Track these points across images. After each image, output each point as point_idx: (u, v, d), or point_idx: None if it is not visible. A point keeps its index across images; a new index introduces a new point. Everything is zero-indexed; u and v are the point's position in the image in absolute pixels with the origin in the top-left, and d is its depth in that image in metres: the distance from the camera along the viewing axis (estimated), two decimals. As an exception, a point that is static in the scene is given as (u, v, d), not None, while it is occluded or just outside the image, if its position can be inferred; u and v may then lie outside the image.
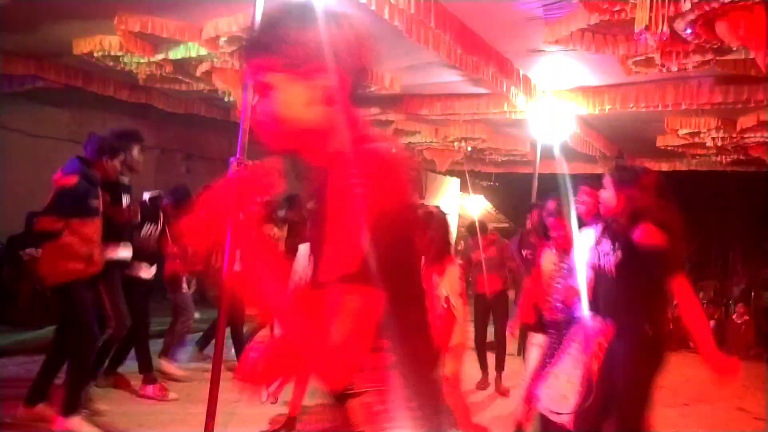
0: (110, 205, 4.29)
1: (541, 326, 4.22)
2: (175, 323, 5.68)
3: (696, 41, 4.40)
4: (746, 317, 9.15)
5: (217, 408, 3.30)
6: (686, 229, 2.96)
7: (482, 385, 5.83)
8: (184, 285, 5.68)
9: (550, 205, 3.96)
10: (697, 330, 2.92)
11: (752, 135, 7.26)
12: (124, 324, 4.61)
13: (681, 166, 10.11)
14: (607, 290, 3.02)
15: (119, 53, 5.48)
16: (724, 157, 8.72)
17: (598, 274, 3.08)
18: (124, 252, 4.58)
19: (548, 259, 4.00)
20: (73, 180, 4.01)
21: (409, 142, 9.40)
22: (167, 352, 5.60)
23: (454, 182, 15.35)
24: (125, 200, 4.51)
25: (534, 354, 4.38)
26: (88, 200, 4.07)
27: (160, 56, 5.54)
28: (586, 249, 3.27)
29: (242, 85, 5.80)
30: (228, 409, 4.28)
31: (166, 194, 5.39)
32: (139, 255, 4.89)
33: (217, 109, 8.22)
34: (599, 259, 3.07)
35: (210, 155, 9.55)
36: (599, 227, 3.23)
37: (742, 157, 8.53)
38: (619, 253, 2.94)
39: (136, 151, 4.58)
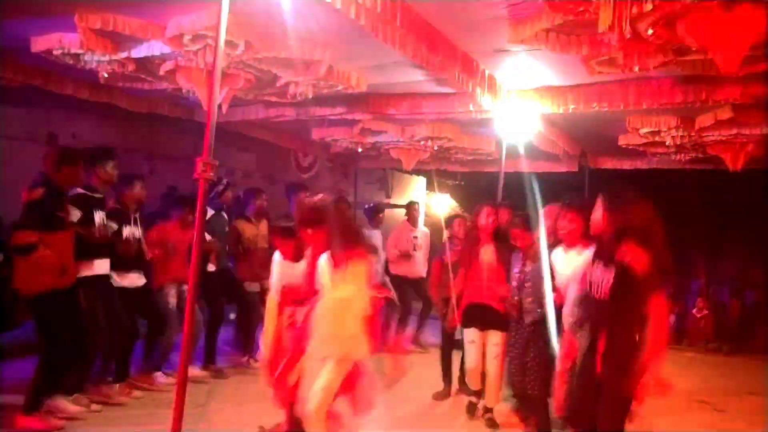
0: (82, 222, 4.45)
1: (474, 322, 4.45)
2: (161, 337, 5.58)
3: (657, 42, 4.49)
4: (705, 311, 9.40)
5: (185, 411, 3.26)
6: (667, 247, 3.29)
7: (442, 395, 5.65)
8: (170, 298, 5.54)
9: (517, 218, 4.50)
10: (653, 348, 3.21)
11: (710, 134, 7.45)
12: (103, 336, 4.65)
13: (642, 164, 10.31)
14: (601, 306, 3.26)
15: (79, 51, 5.34)
16: (683, 155, 8.93)
17: (589, 294, 3.31)
18: (100, 268, 4.63)
19: (515, 263, 4.25)
20: (39, 192, 4.17)
21: (376, 142, 9.39)
22: (156, 368, 5.56)
23: (420, 181, 15.41)
24: (97, 216, 4.55)
25: (470, 349, 4.56)
26: (55, 212, 4.23)
27: (122, 54, 5.43)
28: (576, 269, 3.54)
29: (207, 84, 5.73)
30: (196, 412, 4.24)
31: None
32: (122, 263, 4.91)
33: (181, 108, 8.07)
34: (591, 282, 3.28)
35: (174, 155, 9.40)
36: (591, 250, 3.45)
37: (700, 156, 8.74)
38: (611, 276, 3.17)
39: (110, 166, 4.69)
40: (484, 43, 5.50)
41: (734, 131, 7.29)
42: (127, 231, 5.00)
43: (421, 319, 7.89)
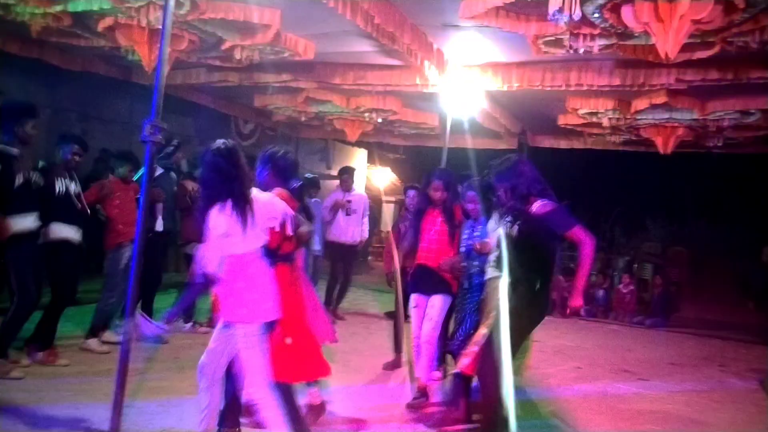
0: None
1: (419, 286, 4.53)
2: (100, 300, 5.40)
3: (603, 25, 4.62)
4: (631, 287, 9.85)
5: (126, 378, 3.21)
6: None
7: (392, 365, 5.60)
8: (123, 258, 5.35)
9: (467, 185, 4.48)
10: (580, 267, 3.52)
11: (644, 117, 7.74)
12: (30, 299, 4.46)
13: (578, 144, 10.62)
14: (509, 253, 3.60)
15: (11, 2, 5.05)
16: (617, 137, 9.25)
17: (505, 243, 3.63)
18: (27, 223, 4.44)
19: (465, 230, 4.32)
20: None
21: (320, 111, 9.31)
22: (93, 331, 5.34)
23: (361, 153, 15.40)
24: (18, 173, 4.38)
25: (414, 315, 4.62)
26: None
27: (58, 7, 5.15)
28: (496, 225, 3.82)
29: (150, 43, 5.52)
30: (136, 379, 4.16)
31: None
32: (56, 216, 4.72)
33: (117, 68, 7.77)
34: (505, 231, 3.64)
35: (108, 117, 9.06)
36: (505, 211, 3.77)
37: (633, 138, 9.08)
38: (518, 224, 3.56)
39: (29, 126, 4.46)
40: (435, 17, 5.52)
41: (666, 115, 7.61)
42: (60, 185, 4.80)
43: (341, 290, 7.90)
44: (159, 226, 5.76)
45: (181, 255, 6.41)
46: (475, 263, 4.22)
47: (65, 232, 4.83)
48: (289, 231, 3.22)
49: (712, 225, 15.86)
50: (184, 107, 9.24)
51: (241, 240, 2.99)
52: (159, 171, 5.79)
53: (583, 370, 6.12)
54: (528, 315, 3.57)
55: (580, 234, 3.44)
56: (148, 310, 5.93)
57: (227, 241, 2.97)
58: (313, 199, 7.65)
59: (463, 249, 4.39)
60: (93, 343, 5.30)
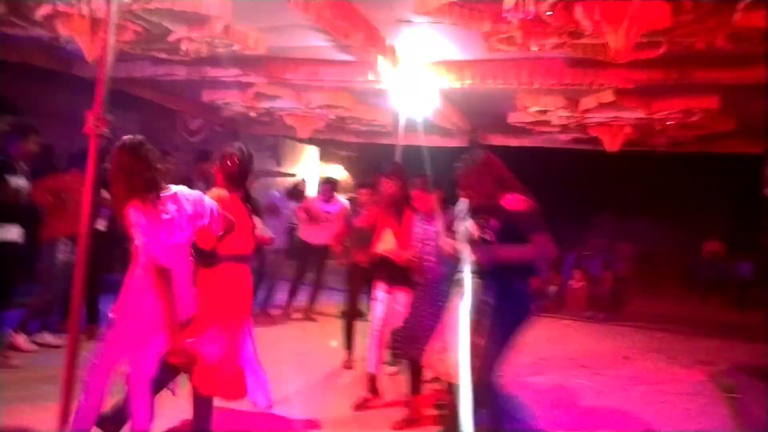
0: None
1: (385, 281, 4.46)
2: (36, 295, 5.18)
3: (555, 23, 4.65)
4: (582, 282, 10.02)
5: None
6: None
7: (346, 365, 5.58)
8: (59, 252, 5.12)
9: (417, 181, 4.44)
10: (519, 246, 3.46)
11: (592, 115, 7.87)
12: None
13: (528, 142, 10.75)
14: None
15: (-61, -13, 4.76)
16: (566, 135, 9.39)
17: (477, 243, 3.53)
18: None
19: (416, 224, 4.26)
20: None
21: (270, 107, 9.14)
22: (22, 327, 5.12)
23: (312, 150, 15.24)
24: None
25: (378, 308, 4.54)
26: None
27: (-9, -6, 4.90)
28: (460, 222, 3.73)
29: (92, 33, 5.29)
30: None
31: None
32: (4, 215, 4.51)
33: (56, 59, 7.44)
34: (476, 230, 3.54)
35: (46, 111, 8.68)
36: (466, 205, 3.73)
37: (582, 136, 9.23)
38: (494, 222, 3.47)
39: None
40: (388, 12, 5.46)
41: (614, 114, 7.76)
42: (14, 182, 4.59)
43: (315, 288, 7.84)
44: (100, 225, 5.57)
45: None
46: (432, 259, 4.18)
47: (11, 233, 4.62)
48: (216, 229, 3.15)
49: (655, 222, 16.30)
50: (128, 102, 8.90)
51: (162, 238, 2.94)
52: None
53: (538, 365, 6.17)
54: (510, 319, 3.51)
55: (541, 240, 3.46)
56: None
57: (147, 239, 2.91)
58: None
59: (418, 244, 4.33)
60: (20, 340, 5.08)
